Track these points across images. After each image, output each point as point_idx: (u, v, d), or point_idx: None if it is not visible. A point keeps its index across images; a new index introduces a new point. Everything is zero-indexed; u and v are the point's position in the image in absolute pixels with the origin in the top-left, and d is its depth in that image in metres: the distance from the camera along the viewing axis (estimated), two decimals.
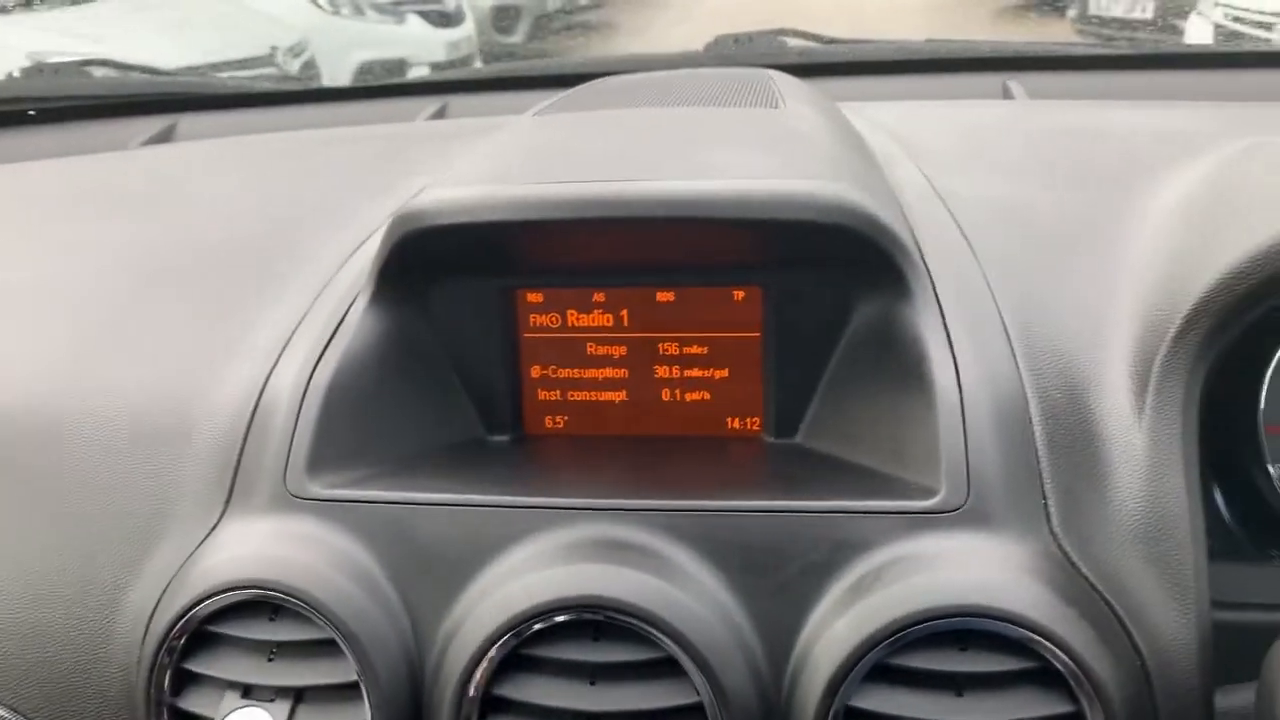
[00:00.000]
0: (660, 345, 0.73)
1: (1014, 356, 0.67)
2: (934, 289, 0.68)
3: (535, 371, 0.75)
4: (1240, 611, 0.68)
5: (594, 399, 0.75)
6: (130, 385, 0.75)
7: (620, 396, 0.75)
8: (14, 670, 0.71)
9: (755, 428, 0.74)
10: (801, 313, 0.71)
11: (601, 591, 0.59)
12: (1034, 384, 0.66)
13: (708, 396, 0.74)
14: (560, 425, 0.76)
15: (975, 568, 0.59)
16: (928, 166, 0.91)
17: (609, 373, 0.74)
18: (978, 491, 0.61)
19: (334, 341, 0.71)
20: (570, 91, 1.09)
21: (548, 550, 0.62)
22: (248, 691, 0.62)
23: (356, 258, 0.83)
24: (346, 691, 0.62)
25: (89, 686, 0.69)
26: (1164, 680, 0.60)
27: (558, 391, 0.75)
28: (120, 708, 0.69)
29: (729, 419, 0.74)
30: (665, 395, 0.74)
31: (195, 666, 0.64)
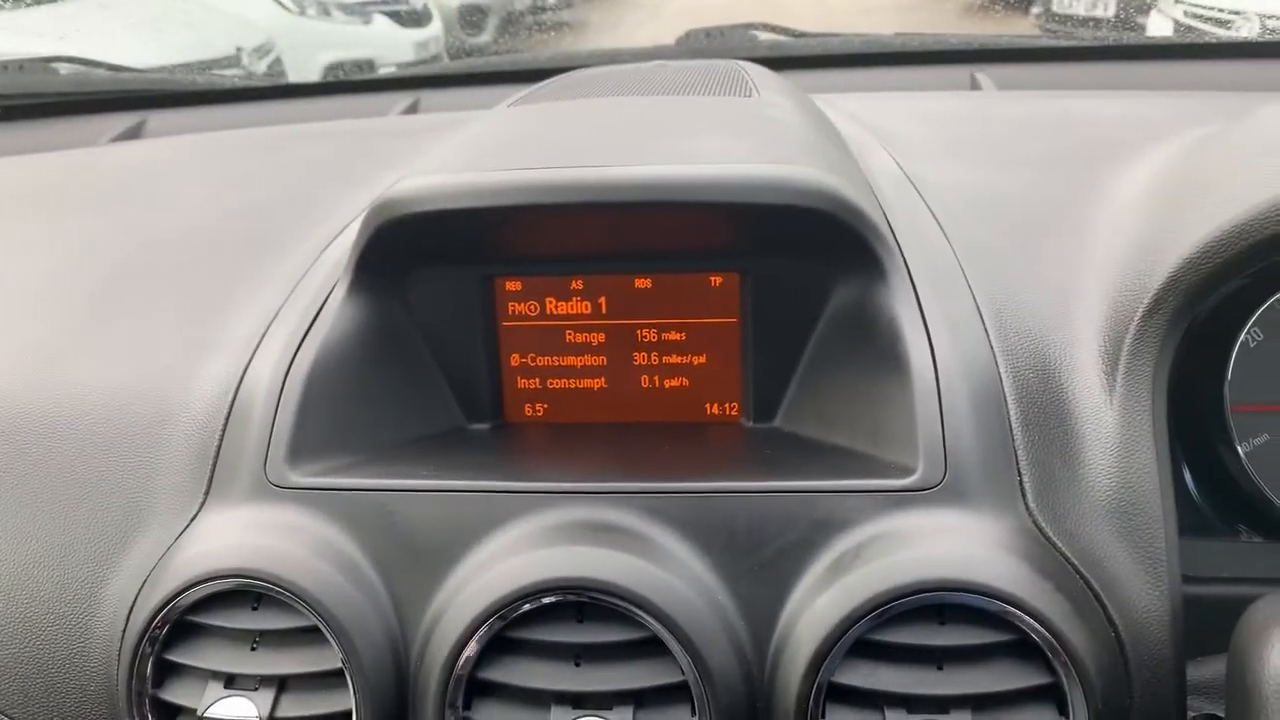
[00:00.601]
0: (639, 332, 0.74)
1: (988, 337, 0.68)
2: (909, 272, 0.69)
3: (514, 359, 0.75)
4: (1209, 585, 0.69)
5: (573, 386, 0.75)
6: (107, 378, 0.75)
7: (599, 384, 0.75)
8: None
9: (734, 413, 0.75)
10: (778, 298, 0.71)
11: (586, 573, 0.59)
12: (1007, 364, 0.67)
13: (686, 382, 0.75)
14: (540, 413, 0.76)
15: (953, 543, 0.60)
16: (900, 155, 0.92)
17: (588, 360, 0.75)
18: (954, 469, 0.62)
19: (313, 331, 0.71)
20: (542, 84, 1.09)
21: (531, 534, 0.63)
22: (230, 681, 0.62)
23: (333, 248, 0.83)
24: (331, 679, 0.62)
25: (69, 681, 0.69)
26: (1137, 651, 0.61)
27: (537, 379, 0.75)
28: (100, 702, 0.68)
29: (708, 404, 0.75)
30: (644, 382, 0.75)
31: (177, 657, 0.64)
